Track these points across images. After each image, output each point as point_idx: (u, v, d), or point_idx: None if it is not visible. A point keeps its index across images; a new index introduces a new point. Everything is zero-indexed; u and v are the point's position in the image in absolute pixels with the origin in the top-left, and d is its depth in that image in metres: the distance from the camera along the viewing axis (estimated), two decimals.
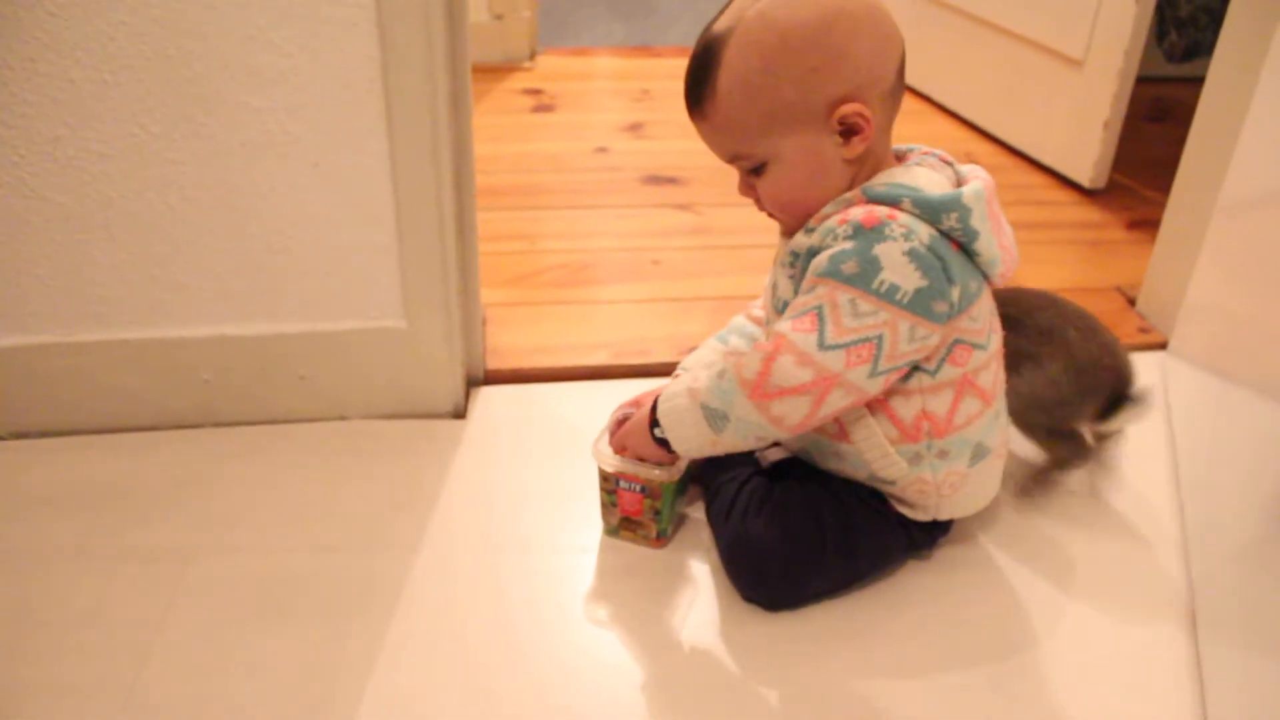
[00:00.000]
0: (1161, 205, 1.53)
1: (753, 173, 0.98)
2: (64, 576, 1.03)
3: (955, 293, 0.92)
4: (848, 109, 0.91)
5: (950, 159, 1.00)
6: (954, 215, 0.90)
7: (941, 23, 2.38)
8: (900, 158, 1.01)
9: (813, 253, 0.94)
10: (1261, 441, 1.00)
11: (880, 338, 0.90)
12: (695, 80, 0.96)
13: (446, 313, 1.23)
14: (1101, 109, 1.93)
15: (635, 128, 2.30)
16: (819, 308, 0.91)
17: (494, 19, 2.63)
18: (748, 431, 0.95)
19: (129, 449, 1.21)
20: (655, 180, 2.02)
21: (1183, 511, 1.16)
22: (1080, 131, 2.00)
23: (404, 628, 0.99)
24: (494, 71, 2.62)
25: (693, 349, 1.20)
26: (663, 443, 1.00)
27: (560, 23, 3.26)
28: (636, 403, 1.12)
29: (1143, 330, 1.53)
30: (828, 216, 0.94)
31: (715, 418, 0.95)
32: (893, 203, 0.91)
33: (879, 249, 0.89)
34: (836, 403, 0.92)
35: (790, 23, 0.90)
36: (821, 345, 0.90)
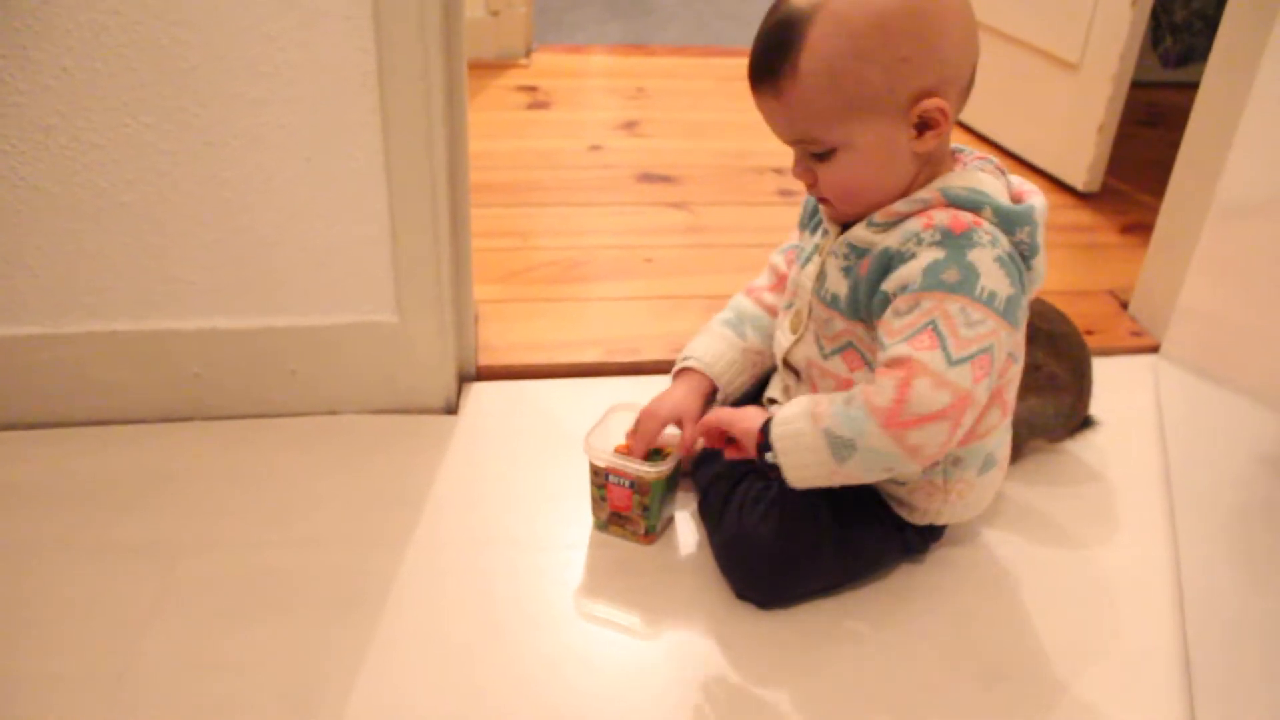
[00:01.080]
0: (1155, 209, 1.54)
1: (817, 157, 0.94)
2: (51, 569, 1.02)
3: (1025, 302, 0.92)
4: (930, 104, 0.89)
5: (1003, 168, 0.98)
6: (1026, 229, 0.90)
7: None
8: (954, 157, 0.99)
9: (888, 254, 0.91)
10: (1252, 445, 1.00)
11: (991, 348, 0.88)
12: (771, 57, 0.90)
13: (439, 308, 1.22)
14: (1096, 113, 1.93)
15: (630, 125, 2.30)
16: (932, 322, 0.88)
17: (490, 15, 2.62)
18: (875, 463, 0.90)
19: (118, 442, 1.20)
20: (649, 178, 2.02)
21: (1174, 513, 1.17)
22: (1075, 135, 2.00)
23: (393, 623, 0.98)
24: (489, 68, 2.61)
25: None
26: (773, 468, 0.94)
27: (556, 20, 3.26)
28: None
29: (1135, 334, 1.54)
30: (903, 215, 0.92)
31: (841, 446, 0.89)
32: (974, 209, 0.90)
33: (973, 255, 0.88)
34: (967, 424, 0.89)
35: (885, 8, 0.86)
36: (950, 361, 0.87)
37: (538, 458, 1.21)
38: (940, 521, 1.04)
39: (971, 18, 0.91)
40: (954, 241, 0.88)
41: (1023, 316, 0.92)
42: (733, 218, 1.85)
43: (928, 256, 0.89)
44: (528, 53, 2.71)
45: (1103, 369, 1.45)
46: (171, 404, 1.23)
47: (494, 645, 0.97)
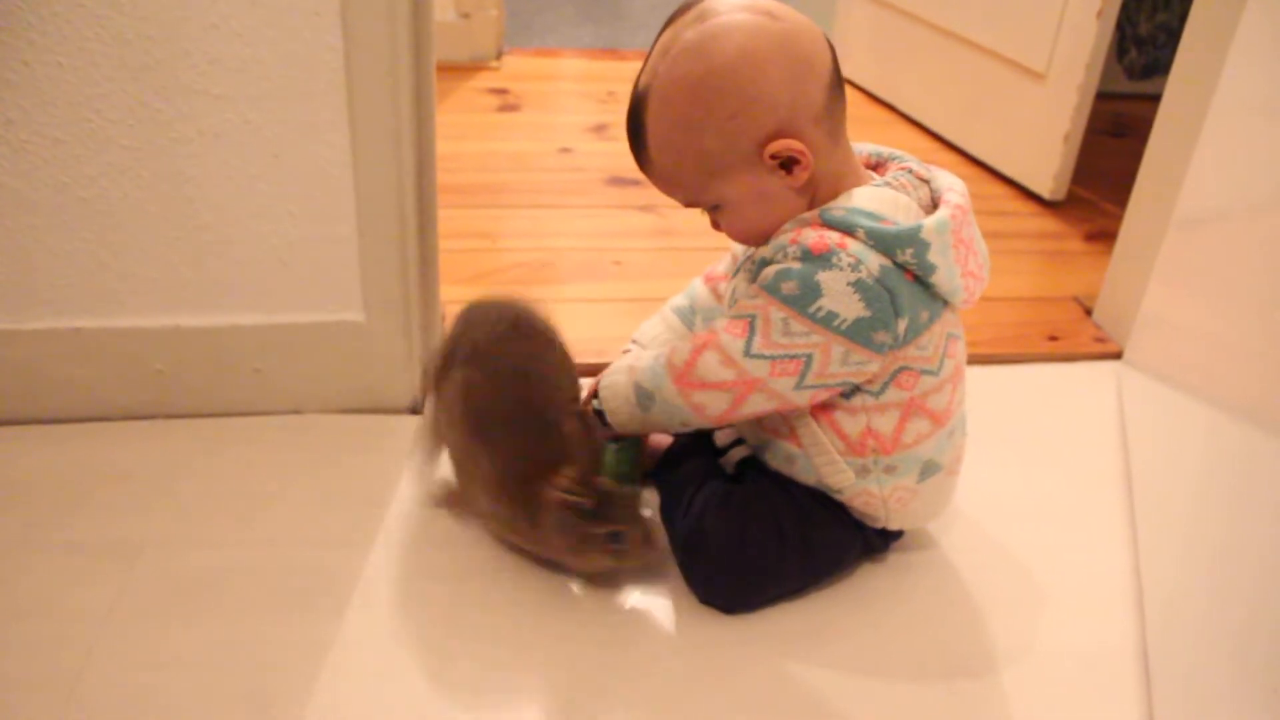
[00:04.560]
0: (1119, 218, 1.56)
1: (712, 210, 0.99)
2: (9, 568, 1.01)
3: (901, 325, 0.91)
4: (778, 146, 0.90)
5: (928, 175, 0.99)
6: (909, 250, 0.89)
7: (907, 33, 2.40)
8: (878, 165, 1.00)
9: (764, 263, 0.94)
10: (1213, 451, 1.01)
11: (809, 356, 0.91)
12: (631, 141, 0.98)
13: (405, 308, 1.22)
14: (1062, 122, 1.95)
15: (600, 129, 2.30)
16: (753, 317, 0.92)
17: (461, 18, 2.62)
18: (672, 415, 0.98)
19: (78, 439, 1.19)
20: (618, 181, 2.02)
21: (1135, 517, 1.18)
22: (1041, 144, 2.02)
23: (356, 623, 0.98)
24: (460, 70, 2.61)
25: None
26: (600, 414, 1.04)
27: (527, 24, 3.26)
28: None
29: (1099, 340, 1.55)
30: (784, 232, 0.94)
31: (644, 396, 0.99)
32: (848, 230, 0.90)
33: (822, 276, 0.89)
34: (758, 405, 0.94)
35: (697, 75, 0.89)
36: (747, 352, 0.92)
37: None
38: (894, 526, 1.05)
39: (800, 48, 0.90)
40: (811, 260, 0.90)
41: (888, 338, 0.91)
42: (701, 221, 1.84)
43: (783, 265, 0.91)
44: (498, 55, 2.71)
45: (1067, 375, 1.47)
46: (134, 402, 1.22)
47: (457, 645, 0.96)
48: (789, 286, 0.90)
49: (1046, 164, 2.02)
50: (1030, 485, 1.23)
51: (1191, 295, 1.24)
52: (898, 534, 1.07)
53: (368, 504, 1.13)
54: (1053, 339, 1.55)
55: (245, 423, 1.24)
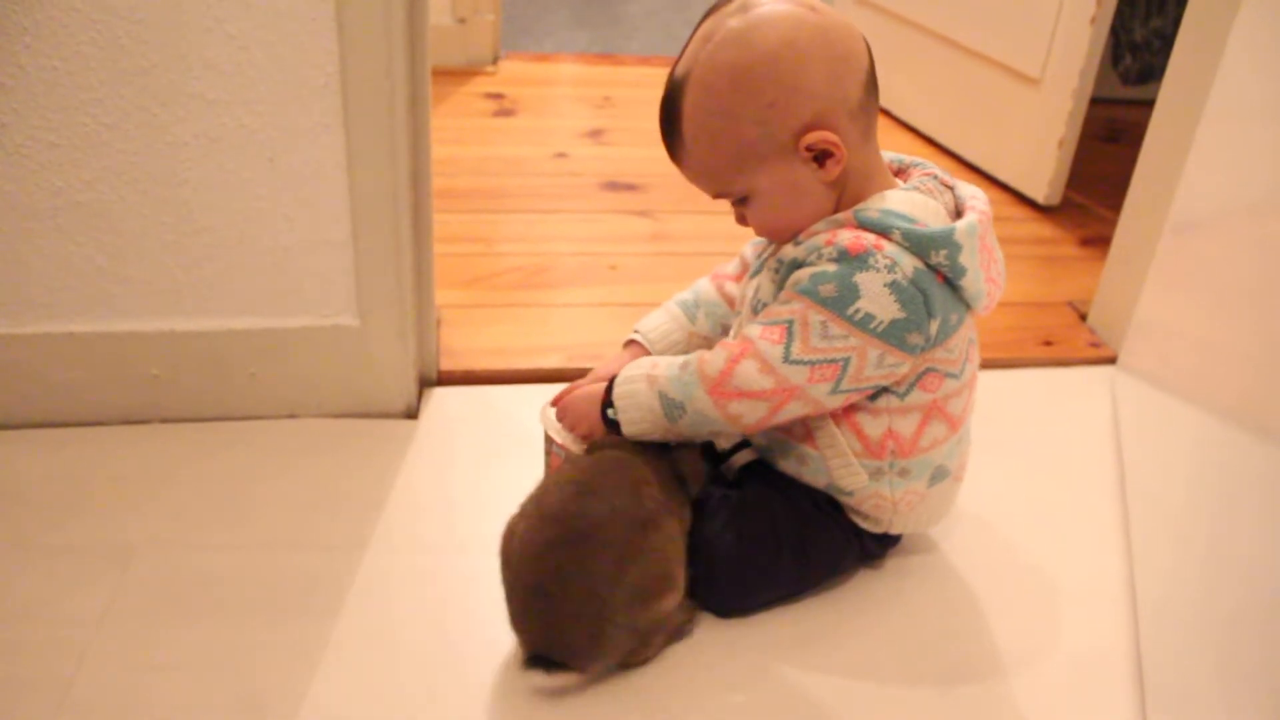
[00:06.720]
0: (1114, 223, 1.56)
1: (739, 202, 0.98)
2: (2, 572, 1.01)
3: (934, 326, 0.92)
4: (814, 137, 0.91)
5: (952, 181, 1.00)
6: (943, 252, 0.90)
7: (902, 38, 2.41)
8: (901, 172, 1.01)
9: (796, 264, 0.94)
10: (1207, 456, 1.01)
11: (846, 360, 0.90)
12: (665, 128, 0.97)
13: (400, 312, 1.22)
14: (1057, 127, 1.95)
15: (596, 134, 2.30)
16: (790, 322, 0.91)
17: (457, 22, 2.62)
18: (703, 425, 0.96)
19: (74, 444, 1.19)
20: (614, 186, 2.02)
21: (1128, 521, 1.18)
22: (1036, 149, 2.02)
23: (347, 627, 0.98)
24: (456, 75, 2.61)
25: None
26: (613, 425, 0.99)
27: (524, 29, 3.26)
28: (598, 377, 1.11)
29: (1093, 345, 1.56)
30: (817, 233, 0.94)
31: (672, 407, 0.95)
32: (883, 232, 0.90)
33: (860, 277, 0.89)
34: (794, 411, 0.94)
35: (738, 63, 0.90)
36: (786, 359, 0.91)
37: (497, 463, 1.21)
38: (895, 530, 1.05)
39: (840, 42, 0.91)
40: (848, 261, 0.90)
41: (921, 340, 0.91)
42: (696, 226, 1.85)
43: (819, 267, 0.91)
44: (495, 60, 2.71)
45: (1061, 380, 1.47)
46: (129, 406, 1.22)
47: (448, 650, 0.96)
48: (827, 289, 0.90)
49: (1041, 169, 2.02)
50: (1025, 490, 1.23)
51: (1186, 300, 1.24)
52: (895, 540, 1.07)
53: (362, 508, 1.12)
54: (1047, 344, 1.55)
55: (240, 427, 1.24)
